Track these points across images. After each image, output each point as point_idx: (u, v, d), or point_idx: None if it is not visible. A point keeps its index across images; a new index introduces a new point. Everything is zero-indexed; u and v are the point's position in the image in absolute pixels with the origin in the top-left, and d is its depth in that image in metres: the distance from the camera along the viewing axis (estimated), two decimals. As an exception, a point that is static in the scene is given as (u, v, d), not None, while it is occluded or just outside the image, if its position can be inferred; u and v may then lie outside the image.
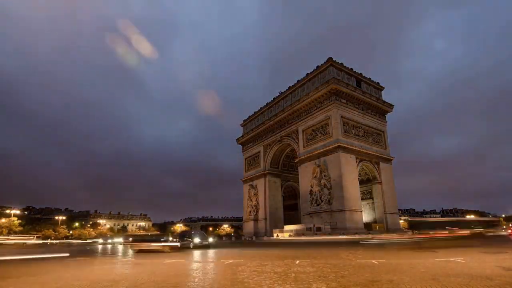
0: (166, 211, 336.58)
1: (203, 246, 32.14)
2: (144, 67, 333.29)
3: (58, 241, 79.78)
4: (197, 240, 32.29)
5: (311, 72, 67.58)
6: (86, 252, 31.37)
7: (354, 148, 59.41)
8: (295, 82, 72.64)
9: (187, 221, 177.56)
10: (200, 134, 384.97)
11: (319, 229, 54.74)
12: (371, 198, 63.92)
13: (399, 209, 76.21)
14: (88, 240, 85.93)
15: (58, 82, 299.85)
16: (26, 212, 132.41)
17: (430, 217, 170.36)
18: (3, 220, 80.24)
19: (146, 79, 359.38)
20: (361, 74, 67.80)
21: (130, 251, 27.43)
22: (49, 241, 75.73)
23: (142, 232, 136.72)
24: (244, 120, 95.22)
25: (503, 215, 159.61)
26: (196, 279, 9.42)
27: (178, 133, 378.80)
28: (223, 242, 58.39)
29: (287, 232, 58.89)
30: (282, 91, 77.25)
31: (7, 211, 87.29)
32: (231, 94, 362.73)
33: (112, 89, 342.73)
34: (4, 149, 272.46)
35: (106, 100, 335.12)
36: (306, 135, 66.21)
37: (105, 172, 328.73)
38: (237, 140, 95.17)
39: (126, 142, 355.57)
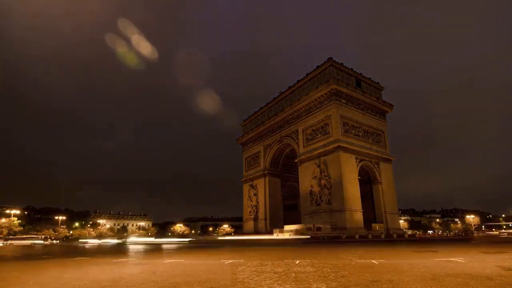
0: (167, 211, 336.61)
1: None
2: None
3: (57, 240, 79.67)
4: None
5: (311, 72, 67.54)
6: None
7: (354, 148, 59.38)
8: (295, 82, 72.62)
9: (187, 221, 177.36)
10: (200, 133, 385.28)
11: (319, 229, 54.73)
12: (371, 198, 63.86)
13: (399, 209, 76.26)
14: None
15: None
16: (26, 212, 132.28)
17: (430, 217, 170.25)
18: (3, 220, 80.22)
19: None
20: (361, 74, 67.79)
21: None
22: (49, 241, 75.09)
23: (142, 232, 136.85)
24: (244, 119, 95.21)
25: (503, 215, 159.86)
26: (196, 279, 9.41)
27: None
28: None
29: (287, 232, 58.85)
30: (282, 91, 77.26)
31: (7, 211, 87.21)
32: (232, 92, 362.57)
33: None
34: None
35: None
36: (306, 135, 66.19)
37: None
38: (237, 140, 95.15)
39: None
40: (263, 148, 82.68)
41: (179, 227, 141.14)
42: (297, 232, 57.05)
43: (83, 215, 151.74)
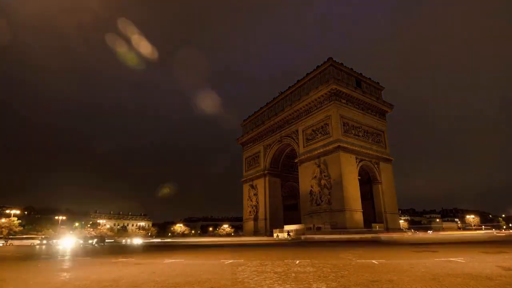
0: (167, 211, 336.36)
1: None
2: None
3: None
4: None
5: (311, 72, 67.53)
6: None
7: (354, 148, 59.39)
8: (295, 82, 72.61)
9: (187, 221, 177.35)
10: (200, 133, 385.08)
11: (319, 229, 54.80)
12: (371, 198, 63.88)
13: (399, 209, 76.27)
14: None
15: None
16: (26, 212, 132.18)
17: (430, 217, 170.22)
18: (3, 220, 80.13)
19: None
20: (361, 74, 67.78)
21: None
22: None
23: (142, 232, 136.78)
24: (244, 119, 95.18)
25: (503, 215, 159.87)
26: (196, 279, 9.41)
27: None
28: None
29: (287, 232, 58.90)
30: (282, 91, 77.26)
31: (7, 211, 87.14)
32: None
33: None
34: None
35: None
36: (306, 135, 66.19)
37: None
38: (237, 140, 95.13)
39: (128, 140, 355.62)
40: (263, 148, 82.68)
41: (179, 227, 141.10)
42: (297, 232, 57.08)
43: (83, 215, 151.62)
